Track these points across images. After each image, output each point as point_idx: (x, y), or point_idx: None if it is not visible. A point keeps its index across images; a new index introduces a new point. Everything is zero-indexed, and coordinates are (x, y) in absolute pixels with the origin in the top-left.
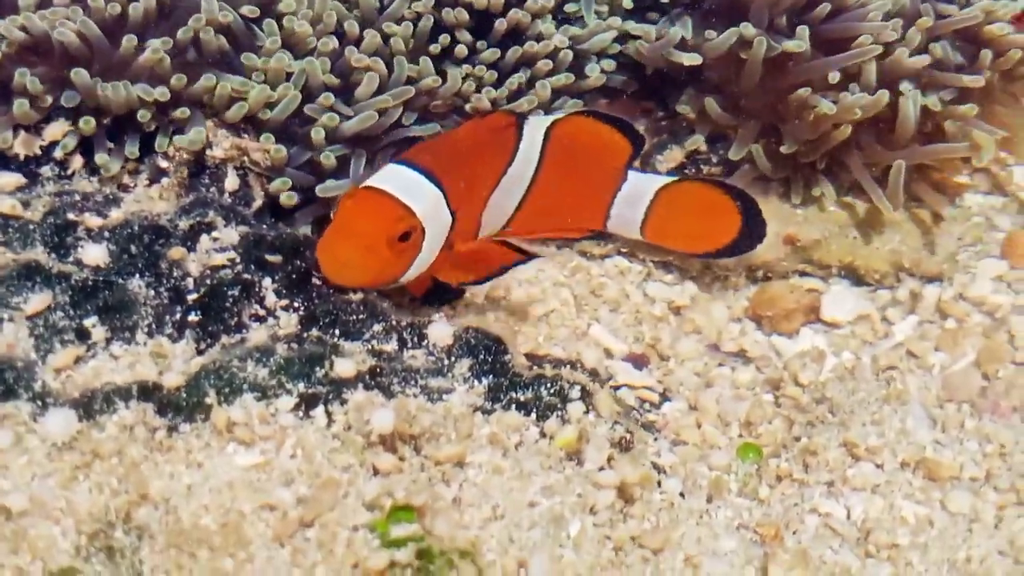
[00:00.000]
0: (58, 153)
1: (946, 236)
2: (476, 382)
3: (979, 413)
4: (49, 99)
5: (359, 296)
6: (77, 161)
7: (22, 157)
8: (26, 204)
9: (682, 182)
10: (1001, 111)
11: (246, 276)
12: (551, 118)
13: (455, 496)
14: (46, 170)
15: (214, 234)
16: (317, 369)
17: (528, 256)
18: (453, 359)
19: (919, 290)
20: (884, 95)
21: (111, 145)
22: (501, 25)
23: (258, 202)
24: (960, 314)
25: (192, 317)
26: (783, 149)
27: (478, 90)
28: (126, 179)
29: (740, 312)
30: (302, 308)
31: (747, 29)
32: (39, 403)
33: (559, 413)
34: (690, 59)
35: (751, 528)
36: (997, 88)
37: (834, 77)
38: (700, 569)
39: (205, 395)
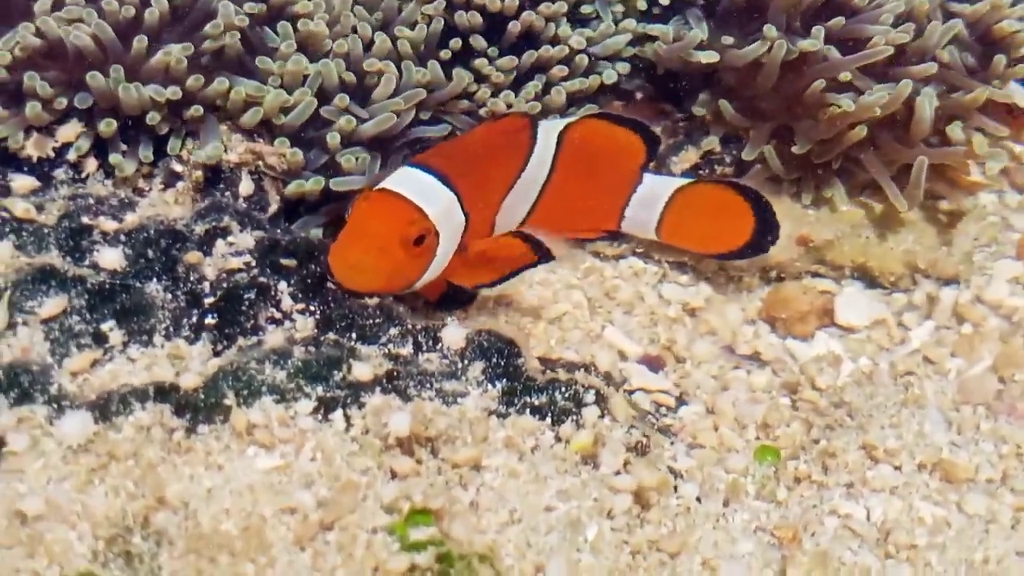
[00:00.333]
0: (72, 155)
1: (961, 236)
2: (490, 385)
3: (995, 415)
4: (64, 101)
5: (375, 300)
6: (91, 164)
7: (35, 159)
8: (40, 208)
9: (697, 184)
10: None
11: (262, 280)
12: (565, 121)
13: (472, 500)
14: (59, 173)
15: (229, 239)
16: (335, 372)
17: (543, 254)
18: (467, 362)
19: (935, 293)
20: (906, 88)
21: (124, 147)
22: (515, 28)
23: (273, 207)
24: (977, 318)
25: (209, 320)
26: (795, 149)
27: (494, 95)
28: (140, 183)
29: (754, 313)
30: (318, 312)
31: (770, 31)
32: (55, 406)
33: (574, 417)
34: (707, 56)
35: (769, 531)
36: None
37: (845, 76)
38: (717, 572)
39: (224, 396)
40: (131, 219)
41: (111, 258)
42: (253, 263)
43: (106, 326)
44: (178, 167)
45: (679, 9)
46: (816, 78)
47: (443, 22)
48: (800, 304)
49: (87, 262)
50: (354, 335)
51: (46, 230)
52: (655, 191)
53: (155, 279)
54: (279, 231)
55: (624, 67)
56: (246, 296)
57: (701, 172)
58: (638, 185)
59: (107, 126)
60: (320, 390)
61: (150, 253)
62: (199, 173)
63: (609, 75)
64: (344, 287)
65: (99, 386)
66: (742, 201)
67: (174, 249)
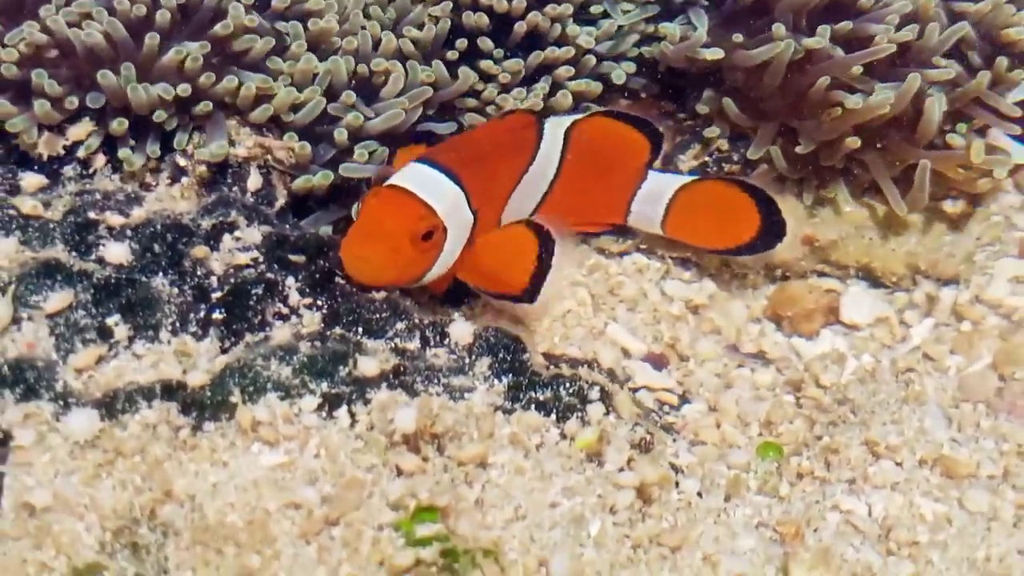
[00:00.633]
0: (81, 153)
1: (964, 236)
2: (496, 381)
3: (995, 413)
4: (75, 100)
5: (382, 294)
6: (99, 160)
7: (45, 157)
8: (47, 204)
9: (703, 180)
10: None
11: (269, 275)
12: (571, 117)
13: (478, 497)
14: (68, 170)
15: (236, 233)
16: (340, 368)
17: (547, 244)
18: (473, 357)
19: (935, 293)
20: (915, 83)
21: (133, 143)
22: (520, 28)
23: (280, 201)
24: (976, 317)
25: (216, 315)
26: (799, 149)
27: (504, 92)
28: (147, 178)
29: (759, 311)
30: (325, 307)
31: (779, 30)
32: (61, 403)
33: (579, 414)
34: (713, 53)
35: (771, 526)
36: None
37: (857, 69)
38: (719, 567)
39: (230, 394)
40: (138, 214)
41: (117, 252)
42: (260, 258)
43: (111, 320)
44: (182, 161)
45: (684, 8)
46: (820, 76)
47: (450, 23)
48: (806, 302)
49: (93, 256)
50: (360, 329)
51: (52, 225)
52: (661, 186)
53: (161, 273)
54: (287, 226)
55: (630, 66)
56: (254, 291)
57: (708, 170)
58: (643, 180)
59: (119, 125)
60: (325, 386)
61: (156, 247)
62: (203, 168)
63: (618, 75)
64: (354, 280)
65: (104, 384)
66: (747, 198)
67: (180, 243)
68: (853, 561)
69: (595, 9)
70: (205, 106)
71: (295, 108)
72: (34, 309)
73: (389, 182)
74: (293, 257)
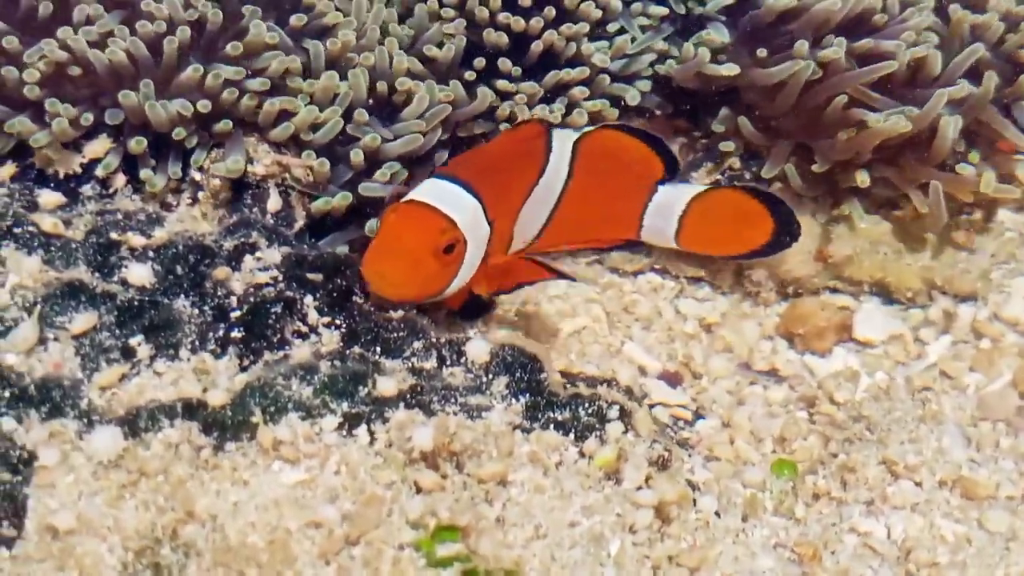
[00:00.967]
0: (100, 172)
1: (979, 253)
2: (514, 400)
3: (1015, 432)
4: (91, 117)
5: (399, 313)
6: (119, 179)
7: (61, 175)
8: (67, 223)
9: (713, 190)
10: None
11: (288, 294)
12: (579, 129)
13: (498, 515)
14: (86, 188)
15: (257, 254)
16: (360, 388)
17: (559, 275)
18: (491, 376)
19: (953, 309)
20: (940, 101)
21: (154, 162)
22: (537, 47)
23: (299, 222)
24: (995, 334)
25: (235, 334)
26: (815, 168)
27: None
28: (168, 197)
29: (771, 329)
30: (344, 325)
31: (801, 48)
32: (85, 421)
33: (598, 433)
34: (728, 69)
35: (789, 547)
36: None
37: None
38: None
39: (251, 414)
40: (160, 235)
41: (140, 274)
42: (280, 278)
43: (134, 341)
44: (198, 176)
45: (701, 25)
46: (833, 91)
47: (465, 40)
48: (818, 319)
49: (116, 278)
50: (379, 349)
51: (74, 245)
52: (672, 198)
53: (183, 295)
54: (305, 247)
55: (645, 85)
56: (273, 310)
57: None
58: (654, 193)
59: (137, 144)
60: (345, 406)
61: (179, 269)
62: (216, 182)
63: (633, 96)
64: (378, 297)
65: (127, 401)
66: (759, 204)
67: (203, 265)
68: None
69: (611, 27)
70: (225, 124)
71: (314, 127)
72: (60, 330)
73: (408, 197)
74: (312, 276)
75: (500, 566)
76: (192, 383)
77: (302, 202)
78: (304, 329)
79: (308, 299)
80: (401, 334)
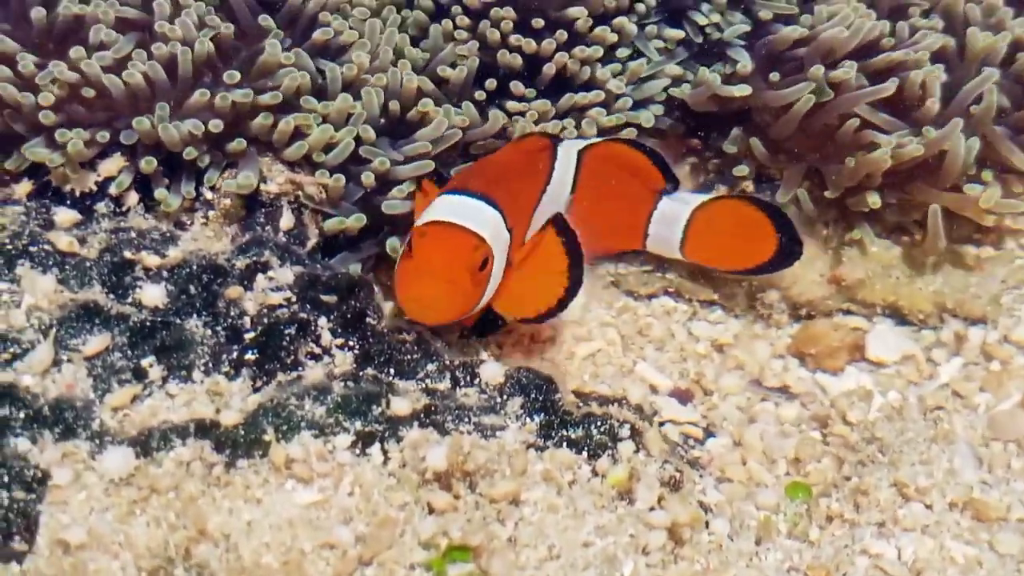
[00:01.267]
0: (113, 190)
1: (989, 278)
2: (528, 419)
3: None
4: (107, 135)
5: (412, 336)
6: (132, 198)
7: (77, 193)
8: (82, 241)
9: (717, 200)
10: None
11: (302, 315)
12: (583, 141)
13: (511, 535)
14: (101, 206)
15: (270, 273)
16: (373, 407)
17: (571, 242)
18: (505, 397)
19: (963, 332)
20: (957, 127)
21: (167, 181)
22: (550, 70)
23: (312, 240)
24: (1005, 356)
25: (249, 355)
26: (828, 194)
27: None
28: (182, 216)
29: (783, 349)
30: (357, 347)
31: (817, 70)
32: (97, 442)
33: (610, 452)
34: (740, 90)
35: (802, 571)
36: None
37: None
38: None
39: (263, 432)
40: (174, 254)
41: (153, 295)
42: (293, 298)
43: (146, 362)
44: (209, 194)
45: (722, 51)
46: (838, 111)
47: (478, 62)
48: (830, 340)
49: (130, 299)
50: (392, 370)
51: (88, 264)
52: (676, 208)
53: (195, 315)
54: (319, 266)
55: (659, 109)
56: (287, 331)
57: None
58: (658, 203)
59: (147, 164)
60: (359, 425)
61: (192, 289)
62: (227, 201)
63: (647, 118)
64: (417, 322)
65: (140, 422)
66: (763, 216)
67: (215, 284)
68: None
69: (621, 53)
70: (239, 143)
71: (327, 148)
72: (73, 352)
73: (430, 219)
74: (325, 297)
75: None
76: (205, 404)
77: (315, 220)
78: (317, 351)
79: (322, 320)
80: (415, 356)
